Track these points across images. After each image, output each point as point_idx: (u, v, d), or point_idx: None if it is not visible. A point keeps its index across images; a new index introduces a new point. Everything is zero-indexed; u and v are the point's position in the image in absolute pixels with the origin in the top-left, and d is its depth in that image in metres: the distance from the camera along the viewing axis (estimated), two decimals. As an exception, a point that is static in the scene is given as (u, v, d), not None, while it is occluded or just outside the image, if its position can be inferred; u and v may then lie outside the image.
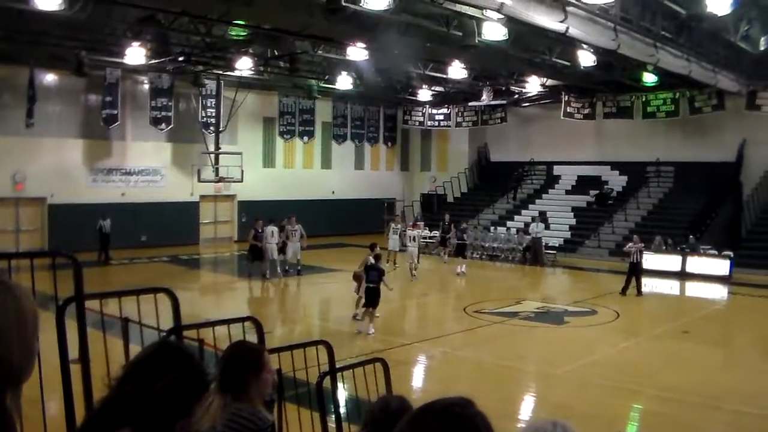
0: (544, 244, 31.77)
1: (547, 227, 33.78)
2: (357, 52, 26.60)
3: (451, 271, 28.22)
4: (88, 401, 4.76)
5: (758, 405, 12.35)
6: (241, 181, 34.89)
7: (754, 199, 32.36)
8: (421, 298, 23.44)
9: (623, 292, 23.44)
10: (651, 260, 28.45)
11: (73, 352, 5.26)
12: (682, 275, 27.69)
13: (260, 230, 25.80)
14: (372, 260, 18.06)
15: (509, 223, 36.04)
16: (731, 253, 28.01)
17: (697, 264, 27.89)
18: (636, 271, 23.64)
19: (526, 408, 12.68)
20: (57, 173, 29.94)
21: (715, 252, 28.42)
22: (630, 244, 24.38)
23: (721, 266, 27.53)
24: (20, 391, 2.09)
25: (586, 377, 14.08)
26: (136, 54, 26.24)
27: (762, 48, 24.86)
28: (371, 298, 17.45)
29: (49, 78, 30.22)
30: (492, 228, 35.26)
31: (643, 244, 24.53)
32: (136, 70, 30.20)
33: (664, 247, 29.36)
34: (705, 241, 29.63)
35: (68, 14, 19.45)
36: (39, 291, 5.05)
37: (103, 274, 24.62)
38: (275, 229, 26.02)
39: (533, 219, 33.24)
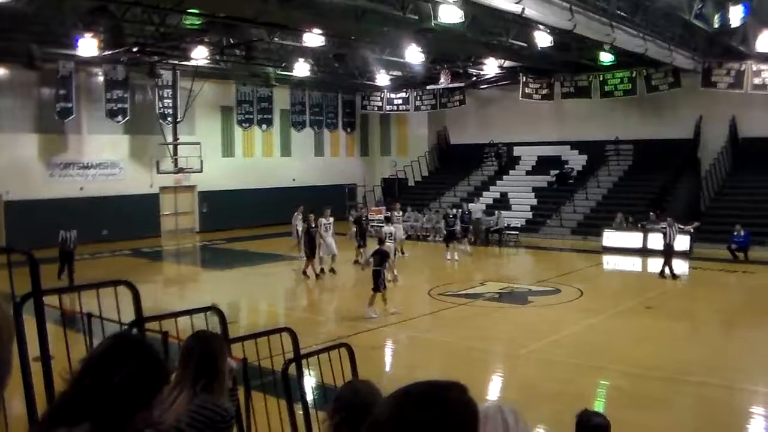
0: (505, 225, 32.09)
1: (508, 208, 34.19)
2: (313, 39, 26.44)
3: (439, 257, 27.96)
4: (50, 399, 4.66)
5: (722, 376, 12.57)
6: (201, 172, 34.65)
7: (712, 174, 32.75)
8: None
9: (673, 275, 22.76)
10: (613, 237, 28.84)
11: (34, 350, 5.15)
12: (644, 252, 27.98)
13: (313, 224, 23.89)
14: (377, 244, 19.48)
15: (470, 205, 36.15)
16: (692, 228, 28.31)
17: (658, 240, 28.14)
18: (670, 253, 23.07)
19: (494, 388, 12.73)
20: (12, 169, 29.44)
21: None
22: (663, 224, 24.08)
23: (681, 242, 27.80)
24: None
25: (552, 356, 14.18)
26: (88, 45, 25.72)
27: (716, 26, 25.10)
28: (374, 281, 17.87)
29: (0, 72, 29.69)
30: (454, 210, 35.32)
31: (679, 226, 23.89)
32: (90, 62, 29.65)
33: (625, 225, 29.68)
34: (665, 217, 29.90)
35: (16, 6, 19.10)
36: (-5, 288, 4.96)
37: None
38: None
39: (474, 200, 34.43)
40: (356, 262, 25.44)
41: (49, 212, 28.83)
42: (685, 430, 10.66)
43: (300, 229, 26.21)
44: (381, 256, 18.20)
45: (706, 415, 11.07)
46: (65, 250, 22.40)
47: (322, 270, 24.11)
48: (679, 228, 23.52)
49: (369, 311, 17.63)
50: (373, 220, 31.60)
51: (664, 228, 23.42)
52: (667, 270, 22.85)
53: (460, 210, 30.73)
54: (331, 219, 24.90)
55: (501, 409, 2.49)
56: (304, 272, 23.67)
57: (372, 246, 21.70)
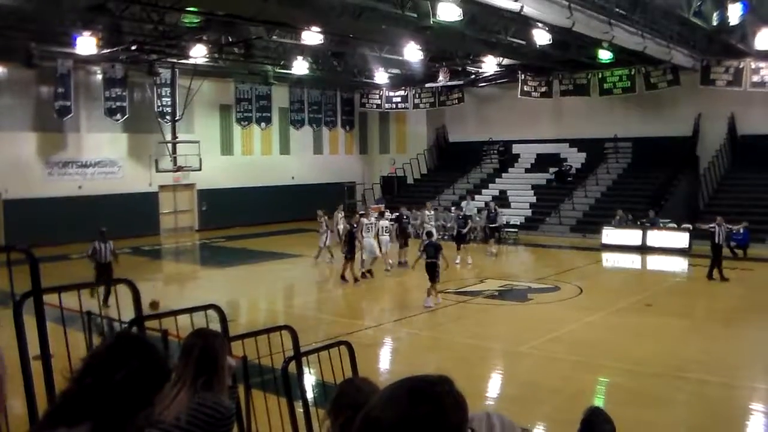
0: (504, 222, 32.00)
1: (507, 206, 34.17)
2: (312, 37, 26.42)
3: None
4: (51, 398, 4.66)
5: (720, 374, 12.58)
6: (200, 170, 34.65)
7: (711, 172, 32.77)
8: (384, 280, 23.40)
9: (710, 275, 21.82)
10: (612, 235, 28.87)
11: (35, 348, 5.15)
12: (643, 249, 28.04)
13: (355, 225, 22.71)
14: (425, 237, 19.84)
15: (467, 203, 36.14)
16: (690, 226, 28.37)
17: (657, 238, 28.25)
18: (719, 254, 21.93)
19: (494, 386, 12.74)
20: (11, 168, 29.39)
21: (675, 225, 28.78)
22: (711, 224, 22.42)
23: (680, 239, 27.90)
24: None
25: (552, 353, 14.18)
26: (87, 44, 25.69)
27: (714, 23, 25.10)
28: (430, 273, 18.48)
29: (-2, 71, 29.69)
30: (453, 208, 35.29)
31: (730, 227, 22.83)
32: (89, 60, 29.65)
33: (626, 222, 29.71)
34: (664, 215, 29.98)
35: (15, 4, 19.06)
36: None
37: (62, 269, 24.20)
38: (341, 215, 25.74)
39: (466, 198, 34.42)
40: (400, 263, 24.79)
41: (48, 211, 28.97)
42: (684, 427, 10.67)
43: (341, 227, 25.43)
44: (435, 249, 18.67)
45: (705, 412, 11.07)
46: (100, 262, 18.84)
47: (365, 273, 22.86)
48: (727, 228, 22.64)
49: (428, 300, 18.39)
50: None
51: (713, 228, 22.23)
52: (714, 271, 21.93)
53: (486, 210, 30.03)
54: (373, 219, 24.00)
55: (488, 415, 2.50)
56: (343, 276, 22.35)
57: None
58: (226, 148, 38.61)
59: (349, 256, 22.30)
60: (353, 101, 45.05)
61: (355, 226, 22.71)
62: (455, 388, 1.96)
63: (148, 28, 26.09)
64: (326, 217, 25.85)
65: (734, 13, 23.99)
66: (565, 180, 36.58)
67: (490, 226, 28.69)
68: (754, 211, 28.22)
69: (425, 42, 27.98)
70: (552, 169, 37.47)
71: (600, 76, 34.05)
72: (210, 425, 3.60)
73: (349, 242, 22.37)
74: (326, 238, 25.85)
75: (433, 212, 28.83)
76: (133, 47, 28.24)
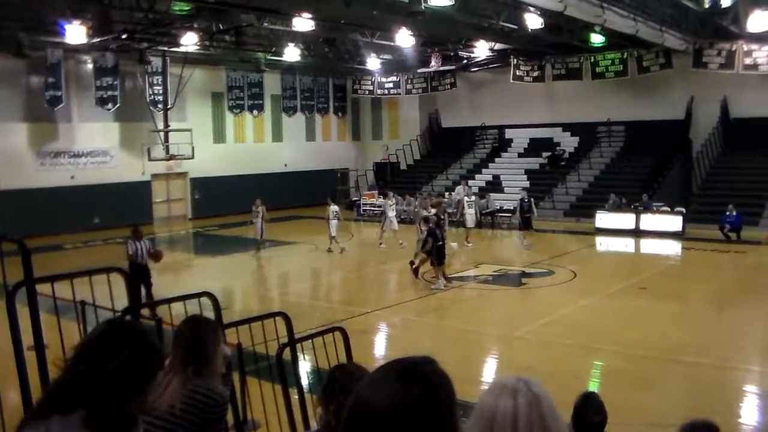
0: (497, 207, 32.08)
1: (501, 191, 34.15)
2: (303, 23, 26.31)
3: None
4: (45, 388, 4.65)
5: (713, 356, 12.62)
6: (192, 158, 34.53)
7: (704, 155, 32.78)
8: (378, 266, 23.42)
9: None
10: (605, 219, 28.90)
11: (28, 339, 5.13)
12: (637, 233, 28.08)
13: (442, 216, 20.46)
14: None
15: (457, 188, 36.06)
16: (683, 210, 28.46)
17: (650, 221, 28.29)
18: None
19: (489, 371, 12.77)
20: (2, 159, 29.21)
21: (668, 209, 28.86)
22: None
23: (673, 222, 27.95)
24: None
25: (547, 337, 14.21)
26: (77, 33, 25.47)
27: (707, 5, 25.06)
28: (441, 255, 19.19)
29: (-12, 61, 29.49)
30: (447, 194, 35.27)
31: None
32: (79, 49, 29.40)
33: (619, 206, 29.75)
34: (657, 198, 30.04)
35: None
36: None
37: (55, 259, 24.14)
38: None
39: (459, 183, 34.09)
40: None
41: (40, 201, 28.85)
42: (678, 409, 10.68)
43: (391, 215, 25.94)
44: (441, 231, 19.51)
45: (698, 394, 11.10)
46: (137, 263, 17.07)
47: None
48: None
49: (438, 283, 19.01)
50: (366, 204, 31.33)
51: None
52: None
53: (520, 198, 27.99)
54: (433, 210, 21.01)
55: (519, 379, 2.40)
56: (416, 270, 19.97)
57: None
58: (219, 136, 38.50)
59: (438, 261, 19.46)
60: (345, 87, 44.95)
61: (442, 217, 20.49)
62: (440, 367, 1.96)
63: (138, 17, 25.89)
64: (263, 207, 25.59)
65: (726, -4, 23.99)
66: (558, 164, 36.60)
67: (524, 215, 26.99)
68: (746, 193, 28.26)
69: (417, 27, 27.89)
70: (545, 154, 37.48)
71: (592, 59, 34.00)
72: (204, 412, 3.61)
73: (434, 238, 19.28)
74: (261, 227, 25.51)
75: (472, 199, 28.09)
76: (124, 36, 27.99)
